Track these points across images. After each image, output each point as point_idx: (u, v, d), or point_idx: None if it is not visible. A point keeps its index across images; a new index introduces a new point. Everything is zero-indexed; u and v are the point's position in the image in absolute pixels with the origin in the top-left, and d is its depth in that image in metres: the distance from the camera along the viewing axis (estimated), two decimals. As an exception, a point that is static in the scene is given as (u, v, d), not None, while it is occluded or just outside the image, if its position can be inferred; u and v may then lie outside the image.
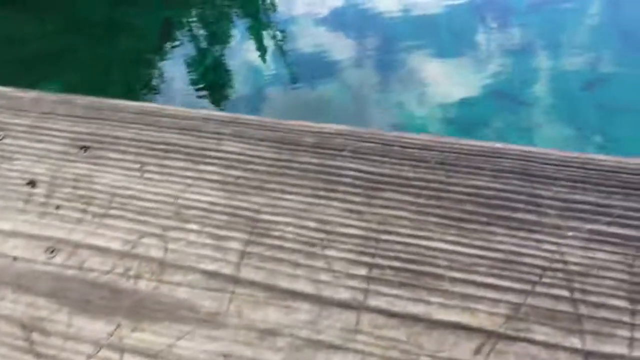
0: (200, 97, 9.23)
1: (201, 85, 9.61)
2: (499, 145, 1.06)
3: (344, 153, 1.09)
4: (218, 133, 1.16)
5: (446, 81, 8.66)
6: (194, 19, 11.25)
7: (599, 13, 9.00)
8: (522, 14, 9.47)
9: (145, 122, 1.18)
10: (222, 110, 8.98)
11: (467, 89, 8.40)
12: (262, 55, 10.22)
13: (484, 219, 0.96)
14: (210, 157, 1.11)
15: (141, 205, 1.05)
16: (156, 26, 10.68)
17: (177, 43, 10.64)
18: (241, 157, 1.09)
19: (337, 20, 10.60)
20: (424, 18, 10.15)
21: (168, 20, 10.81)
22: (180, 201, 1.05)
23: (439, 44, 9.38)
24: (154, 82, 9.71)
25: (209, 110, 1.50)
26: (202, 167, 1.10)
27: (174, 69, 9.91)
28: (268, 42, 10.47)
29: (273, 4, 11.59)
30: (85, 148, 1.15)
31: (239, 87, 9.52)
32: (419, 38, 9.72)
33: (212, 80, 9.86)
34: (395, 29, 10.16)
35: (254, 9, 11.75)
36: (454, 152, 1.04)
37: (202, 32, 11.09)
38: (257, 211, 1.01)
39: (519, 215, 0.96)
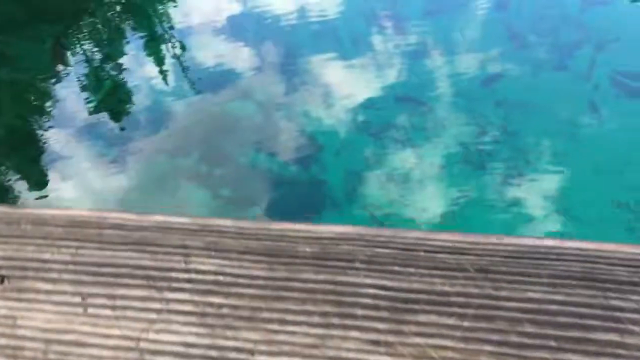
0: (99, 118, 8.66)
1: (98, 104, 9.03)
2: (550, 242, 0.85)
3: (356, 265, 0.87)
4: (184, 247, 0.89)
5: (350, 85, 8.68)
6: (86, 37, 10.52)
7: (489, 15, 9.39)
8: (417, 18, 9.67)
9: (82, 237, 0.89)
10: (123, 129, 8.61)
11: (371, 92, 8.47)
12: (161, 69, 9.83)
13: (553, 344, 0.75)
14: (177, 280, 0.85)
15: (89, 354, 0.76)
16: (47, 49, 9.85)
17: (71, 63, 10.02)
18: (221, 278, 0.85)
19: (235, 30, 10.33)
20: (322, 23, 10.13)
21: (59, 41, 9.96)
22: (143, 345, 0.77)
23: (339, 49, 9.38)
24: (48, 107, 8.95)
25: (165, 216, 1.01)
26: (168, 294, 0.83)
27: (69, 90, 9.30)
28: (166, 55, 10.08)
29: (167, 16, 11.09)
30: (1, 278, 0.86)
31: (139, 103, 9.04)
32: (319, 44, 9.72)
33: (110, 98, 9.29)
34: (295, 36, 10.11)
35: (148, 21, 11.19)
36: (497, 256, 0.82)
37: (95, 49, 10.41)
38: (251, 352, 0.75)
39: (596, 335, 0.75)
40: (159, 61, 9.99)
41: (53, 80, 9.47)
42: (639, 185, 6.56)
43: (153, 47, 10.31)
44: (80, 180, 7.65)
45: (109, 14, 11.40)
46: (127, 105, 8.94)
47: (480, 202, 6.70)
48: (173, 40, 10.39)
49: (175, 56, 10.00)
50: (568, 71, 8.13)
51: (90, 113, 8.62)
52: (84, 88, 9.27)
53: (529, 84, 8.04)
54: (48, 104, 9.03)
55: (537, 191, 6.71)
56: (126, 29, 11.00)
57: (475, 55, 8.61)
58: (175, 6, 11.32)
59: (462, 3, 9.76)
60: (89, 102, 8.94)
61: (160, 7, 11.49)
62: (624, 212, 6.36)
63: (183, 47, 10.06)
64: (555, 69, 8.19)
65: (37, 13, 10.56)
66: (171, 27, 10.73)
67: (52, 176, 7.74)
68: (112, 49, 10.46)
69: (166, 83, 9.28)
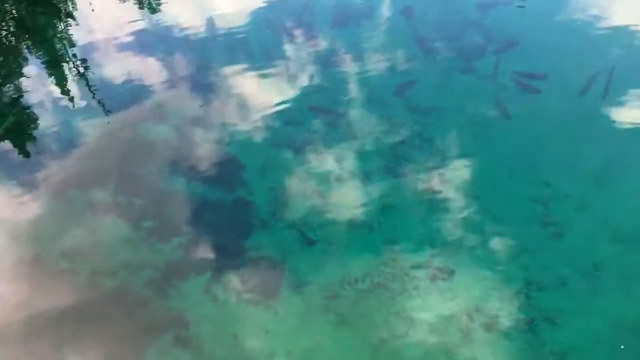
0: (2, 147, 8.18)
1: (1, 137, 8.49)
2: None
3: None
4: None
5: (265, 97, 8.64)
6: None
7: (395, 26, 9.62)
8: (327, 28, 9.75)
9: None
10: (27, 156, 7.99)
11: (286, 103, 8.46)
12: (65, 89, 9.37)
13: None
14: None
15: None
16: None
17: None
18: None
19: (142, 45, 9.97)
20: (230, 35, 9.99)
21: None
22: None
23: (251, 60, 9.34)
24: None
25: None
26: None
27: None
28: (69, 74, 9.64)
29: (68, 37, 10.49)
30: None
31: (45, 127, 8.59)
32: (229, 55, 9.63)
33: (13, 123, 8.74)
34: (204, 47, 9.94)
35: (49, 42, 10.54)
36: None
37: None
38: None
39: None
40: (62, 81, 9.54)
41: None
42: (551, 181, 6.94)
43: (55, 67, 9.81)
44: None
45: (4, 33, 10.64)
46: (32, 131, 8.46)
47: (401, 206, 6.85)
48: (76, 59, 9.98)
49: (80, 75, 9.61)
50: (473, 74, 8.49)
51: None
52: None
53: (438, 88, 8.32)
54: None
55: (454, 192, 6.94)
56: (24, 49, 10.36)
57: (385, 63, 8.81)
58: (76, 24, 10.77)
59: (367, 13, 9.94)
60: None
61: (59, 26, 10.89)
62: (539, 207, 6.71)
63: (87, 67, 9.68)
64: (462, 73, 8.52)
65: None
66: (73, 46, 10.21)
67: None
68: (9, 71, 9.80)
69: (72, 104, 8.88)
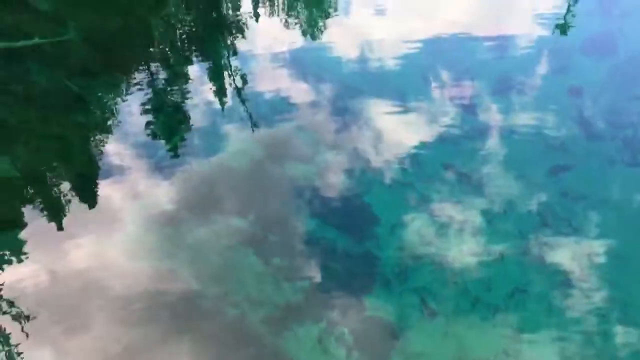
0: (156, 141, 9.10)
1: (156, 128, 9.51)
2: None
3: None
4: None
5: (400, 131, 8.74)
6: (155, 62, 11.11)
7: (560, 103, 9.16)
8: (487, 93, 9.57)
9: None
10: (177, 156, 8.71)
11: (420, 137, 8.50)
12: (221, 97, 10.27)
13: None
14: None
15: None
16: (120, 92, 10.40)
17: (134, 85, 10.60)
18: None
19: (296, 64, 10.66)
20: (379, 69, 10.27)
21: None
22: None
23: (394, 96, 9.49)
24: (110, 124, 9.58)
25: None
26: None
27: (133, 110, 9.82)
28: (228, 84, 10.55)
29: (234, 47, 11.56)
30: None
31: (199, 127, 9.46)
32: (374, 88, 9.90)
33: (170, 122, 9.74)
34: (352, 77, 10.34)
35: (215, 51, 11.64)
36: None
37: (161, 75, 10.90)
38: None
39: None
40: (221, 90, 10.46)
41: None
42: None
43: (217, 76, 10.82)
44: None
45: (176, 42, 11.94)
46: (185, 131, 9.40)
47: (532, 293, 6.42)
48: (236, 71, 10.90)
49: (236, 85, 10.50)
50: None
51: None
52: (145, 109, 9.91)
53: (597, 177, 7.77)
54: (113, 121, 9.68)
55: (591, 284, 6.39)
56: (192, 57, 11.58)
57: (542, 139, 8.41)
58: (243, 37, 11.83)
59: (532, 86, 9.61)
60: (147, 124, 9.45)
61: (228, 38, 12.07)
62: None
63: (244, 77, 10.62)
64: (628, 165, 7.88)
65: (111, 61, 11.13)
66: (235, 55, 11.23)
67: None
68: (179, 73, 10.95)
69: (222, 110, 9.84)
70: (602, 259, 6.75)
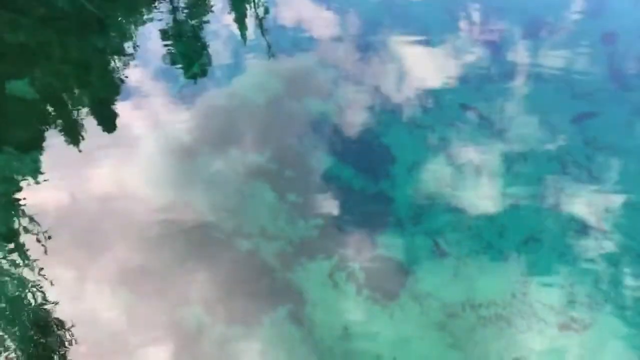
0: (177, 68, 9.16)
1: (178, 54, 9.49)
2: None
3: None
4: None
5: (422, 69, 8.72)
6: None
7: (591, 50, 8.85)
8: (516, 35, 9.25)
9: None
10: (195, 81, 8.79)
11: (443, 76, 8.48)
12: (242, 26, 10.12)
13: None
14: None
15: None
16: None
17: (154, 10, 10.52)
18: None
19: None
20: (404, 4, 10.18)
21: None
22: None
23: (420, 31, 9.44)
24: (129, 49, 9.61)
25: None
26: None
27: (152, 35, 9.83)
28: (249, 14, 10.40)
29: None
30: None
31: (218, 56, 9.40)
32: (398, 23, 9.75)
33: (189, 49, 9.68)
34: (376, 10, 10.18)
35: None
36: None
37: (181, 3, 10.82)
38: None
39: None
40: (241, 18, 10.30)
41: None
42: None
43: (239, 5, 10.68)
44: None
45: None
46: (205, 58, 9.35)
47: (546, 239, 6.43)
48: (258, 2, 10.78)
49: (257, 15, 10.35)
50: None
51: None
52: (165, 35, 9.89)
53: (623, 127, 7.59)
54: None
55: (608, 232, 6.37)
56: None
57: (570, 85, 8.18)
58: None
59: (564, 29, 9.26)
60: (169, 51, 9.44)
61: None
62: None
63: (267, 10, 10.48)
64: (656, 116, 7.68)
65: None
66: None
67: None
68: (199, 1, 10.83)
69: (245, 39, 9.81)
70: (619, 210, 6.69)
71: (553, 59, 8.67)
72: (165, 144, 7.78)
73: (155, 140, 7.84)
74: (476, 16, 9.77)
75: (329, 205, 6.98)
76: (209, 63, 9.25)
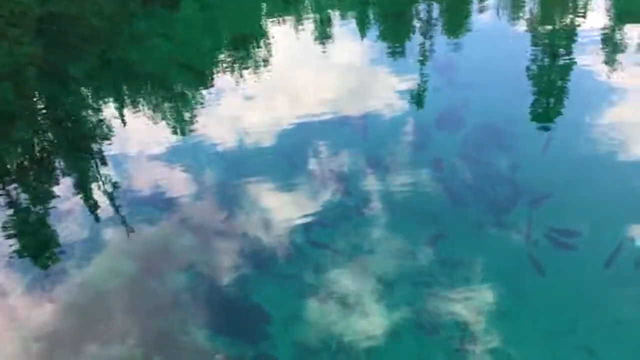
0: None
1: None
2: None
3: None
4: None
5: (281, 213, 9.06)
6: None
7: (427, 174, 9.71)
8: (361, 176, 9.90)
9: None
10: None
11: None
12: (92, 207, 9.83)
13: None
14: None
15: None
16: None
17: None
18: None
19: (172, 158, 10.93)
20: (264, 149, 10.79)
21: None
22: None
23: (277, 176, 9.91)
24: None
25: None
26: None
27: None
28: (99, 192, 10.23)
29: (101, 154, 11.41)
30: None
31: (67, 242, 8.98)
32: (257, 170, 10.18)
33: (35, 241, 9.23)
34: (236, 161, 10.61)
35: (81, 162, 11.37)
36: None
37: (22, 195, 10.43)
38: None
39: None
40: (90, 199, 10.10)
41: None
42: (593, 345, 6.51)
43: (84, 188, 10.47)
44: None
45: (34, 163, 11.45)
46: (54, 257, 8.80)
47: None
48: (105, 180, 10.62)
49: (107, 194, 10.21)
50: (506, 228, 8.33)
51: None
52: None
53: (470, 242, 8.17)
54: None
55: (486, 354, 6.55)
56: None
57: (414, 213, 8.76)
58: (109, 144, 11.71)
59: (396, 162, 10.12)
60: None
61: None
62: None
63: (116, 186, 10.37)
64: (494, 226, 8.39)
65: None
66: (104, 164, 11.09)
67: None
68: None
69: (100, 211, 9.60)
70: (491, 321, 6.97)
71: (395, 191, 9.32)
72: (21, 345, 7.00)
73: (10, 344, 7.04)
74: (320, 159, 10.42)
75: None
76: (57, 249, 8.77)
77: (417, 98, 12.34)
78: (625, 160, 9.60)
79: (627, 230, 8.04)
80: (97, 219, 9.50)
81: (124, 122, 12.71)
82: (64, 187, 10.49)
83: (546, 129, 10.75)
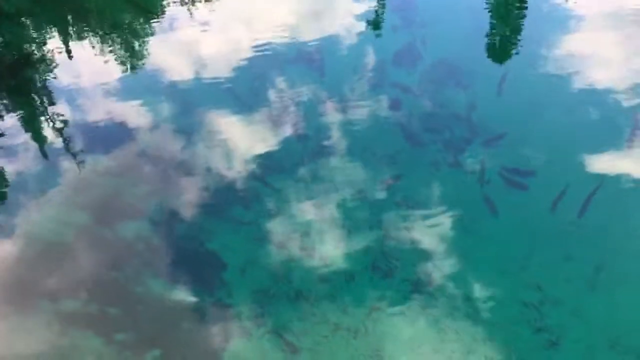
0: None
1: None
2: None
3: None
4: None
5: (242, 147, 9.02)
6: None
7: (383, 114, 9.59)
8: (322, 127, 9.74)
9: None
10: None
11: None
12: (41, 144, 9.59)
13: None
14: None
15: None
16: None
17: None
18: None
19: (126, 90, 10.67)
20: (215, 82, 10.59)
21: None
22: None
23: (233, 107, 9.83)
24: None
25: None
26: None
27: None
28: (48, 127, 9.96)
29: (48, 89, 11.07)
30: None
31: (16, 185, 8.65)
32: (213, 101, 10.04)
33: None
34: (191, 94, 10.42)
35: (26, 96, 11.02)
36: None
37: None
38: None
39: None
40: (40, 136, 9.83)
41: None
42: (543, 283, 6.69)
43: (32, 122, 10.17)
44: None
45: None
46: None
47: (389, 313, 6.58)
48: (53, 114, 10.31)
49: (56, 129, 9.94)
50: (461, 168, 8.35)
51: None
52: None
53: (426, 182, 8.18)
54: None
55: (440, 293, 6.69)
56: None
57: (372, 153, 8.68)
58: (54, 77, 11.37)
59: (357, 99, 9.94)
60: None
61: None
62: (530, 312, 6.41)
63: (65, 121, 10.07)
64: (450, 166, 8.39)
65: None
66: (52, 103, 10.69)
67: None
68: None
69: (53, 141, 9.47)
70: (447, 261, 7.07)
71: (352, 131, 9.19)
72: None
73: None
74: (279, 86, 10.33)
75: (164, 337, 6.49)
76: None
77: (374, 37, 12.05)
78: (579, 93, 9.64)
79: (577, 169, 8.16)
80: (45, 156, 9.28)
81: (70, 57, 12.12)
82: (8, 124, 10.11)
83: (502, 65, 10.68)
